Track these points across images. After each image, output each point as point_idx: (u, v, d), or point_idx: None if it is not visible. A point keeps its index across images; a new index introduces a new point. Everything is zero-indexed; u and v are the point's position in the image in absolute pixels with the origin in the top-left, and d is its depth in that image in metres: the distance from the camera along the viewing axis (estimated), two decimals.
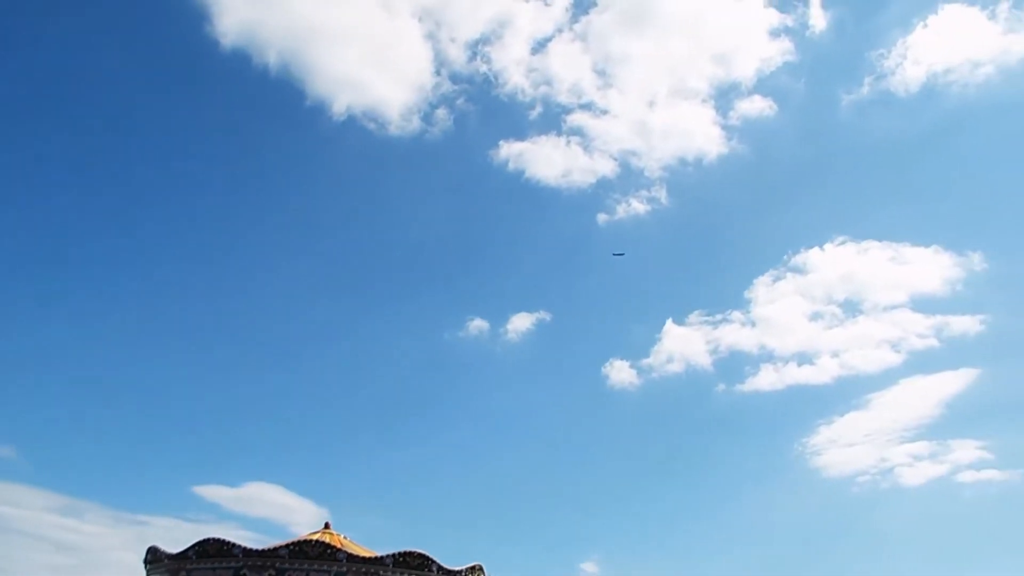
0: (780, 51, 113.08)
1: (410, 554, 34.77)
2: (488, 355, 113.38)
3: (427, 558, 35.22)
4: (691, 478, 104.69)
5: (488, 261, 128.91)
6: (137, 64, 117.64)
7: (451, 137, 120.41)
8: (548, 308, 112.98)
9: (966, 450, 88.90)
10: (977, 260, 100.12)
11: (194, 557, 35.49)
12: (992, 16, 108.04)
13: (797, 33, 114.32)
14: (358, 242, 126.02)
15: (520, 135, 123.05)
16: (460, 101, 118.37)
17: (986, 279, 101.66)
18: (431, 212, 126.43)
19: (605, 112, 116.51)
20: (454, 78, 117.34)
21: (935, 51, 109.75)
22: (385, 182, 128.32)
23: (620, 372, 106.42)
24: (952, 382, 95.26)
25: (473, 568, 38.72)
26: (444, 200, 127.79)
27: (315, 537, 35.95)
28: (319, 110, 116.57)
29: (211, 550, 35.12)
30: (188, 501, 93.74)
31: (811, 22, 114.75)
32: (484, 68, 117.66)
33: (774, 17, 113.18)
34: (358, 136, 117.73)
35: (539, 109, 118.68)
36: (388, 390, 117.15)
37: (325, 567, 34.24)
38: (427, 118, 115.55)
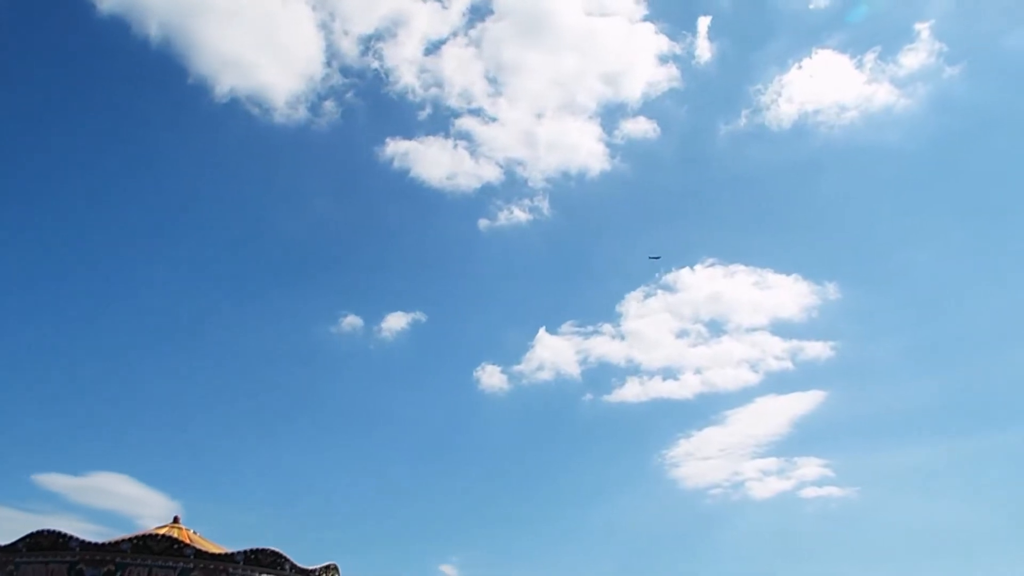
0: (667, 77, 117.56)
1: (263, 551, 33.99)
2: (360, 352, 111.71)
3: (280, 556, 34.53)
4: (555, 483, 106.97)
5: (366, 258, 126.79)
6: None
7: (337, 130, 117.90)
8: (424, 309, 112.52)
9: (810, 467, 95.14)
10: (832, 290, 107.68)
11: (24, 550, 33.27)
12: (859, 65, 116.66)
13: (684, 61, 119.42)
14: (233, 229, 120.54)
15: (407, 134, 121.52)
16: (349, 95, 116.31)
17: (838, 308, 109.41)
18: (311, 203, 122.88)
19: (494, 119, 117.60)
20: (345, 71, 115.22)
21: (807, 92, 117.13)
22: (266, 170, 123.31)
23: (491, 377, 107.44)
24: (802, 403, 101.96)
25: (328, 567, 38.29)
26: (325, 192, 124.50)
27: (162, 531, 34.51)
28: (201, 89, 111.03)
29: (44, 543, 33.02)
30: (26, 490, 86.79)
31: (697, 52, 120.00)
32: (376, 64, 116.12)
33: (664, 43, 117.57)
34: (241, 120, 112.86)
35: (428, 110, 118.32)
36: (253, 382, 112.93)
37: (171, 563, 32.94)
38: (314, 109, 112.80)
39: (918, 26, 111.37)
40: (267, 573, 34.32)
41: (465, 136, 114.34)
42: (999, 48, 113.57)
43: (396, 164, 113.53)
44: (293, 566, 35.30)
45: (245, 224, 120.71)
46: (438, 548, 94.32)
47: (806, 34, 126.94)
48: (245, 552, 33.53)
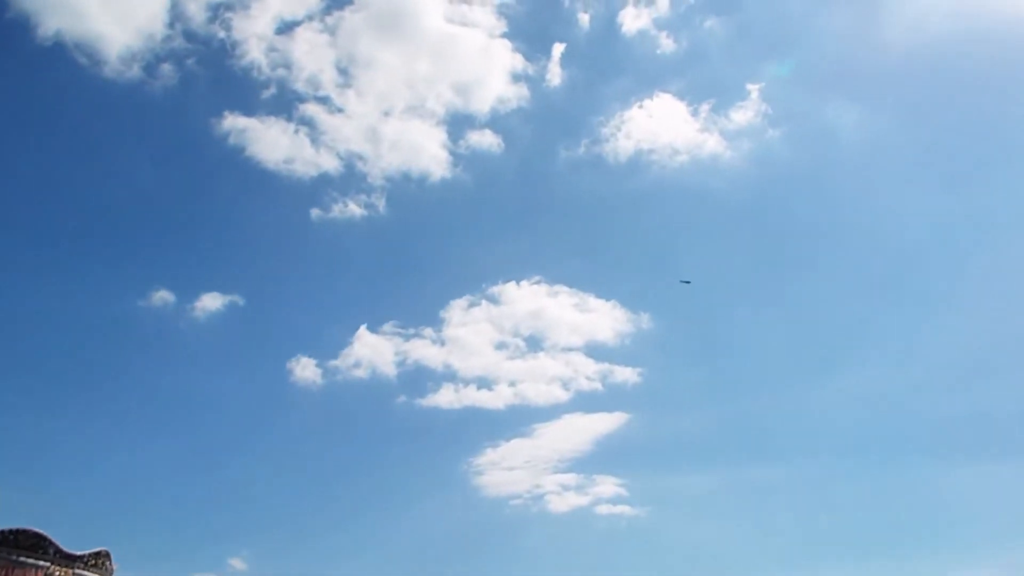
0: (517, 95, 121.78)
1: (22, 532, 32.37)
2: (168, 330, 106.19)
3: (43, 538, 32.98)
4: (359, 483, 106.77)
5: (186, 232, 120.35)
6: None
7: (173, 96, 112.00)
8: (243, 292, 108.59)
9: (607, 485, 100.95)
10: (645, 319, 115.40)
11: None
12: (695, 113, 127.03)
13: (535, 83, 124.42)
14: (40, 186, 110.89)
15: (248, 111, 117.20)
16: (191, 61, 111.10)
17: (649, 337, 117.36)
18: (133, 168, 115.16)
19: (340, 110, 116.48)
20: (188, 36, 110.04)
21: (645, 131, 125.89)
22: (86, 125, 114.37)
23: (305, 369, 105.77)
24: (606, 423, 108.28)
25: (98, 554, 36.87)
26: (150, 159, 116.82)
27: None
28: (22, 26, 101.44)
29: None
30: None
31: (548, 76, 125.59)
32: (223, 34, 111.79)
33: (519, 62, 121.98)
34: (65, 68, 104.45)
35: (273, 90, 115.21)
36: (39, 351, 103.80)
37: None
38: (150, 69, 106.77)
39: (750, 86, 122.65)
40: (27, 556, 32.33)
41: (308, 122, 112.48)
42: (817, 118, 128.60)
43: (232, 140, 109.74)
44: (58, 550, 33.80)
45: (54, 182, 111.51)
46: (229, 541, 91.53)
47: (651, 76, 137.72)
48: (2, 532, 31.35)
